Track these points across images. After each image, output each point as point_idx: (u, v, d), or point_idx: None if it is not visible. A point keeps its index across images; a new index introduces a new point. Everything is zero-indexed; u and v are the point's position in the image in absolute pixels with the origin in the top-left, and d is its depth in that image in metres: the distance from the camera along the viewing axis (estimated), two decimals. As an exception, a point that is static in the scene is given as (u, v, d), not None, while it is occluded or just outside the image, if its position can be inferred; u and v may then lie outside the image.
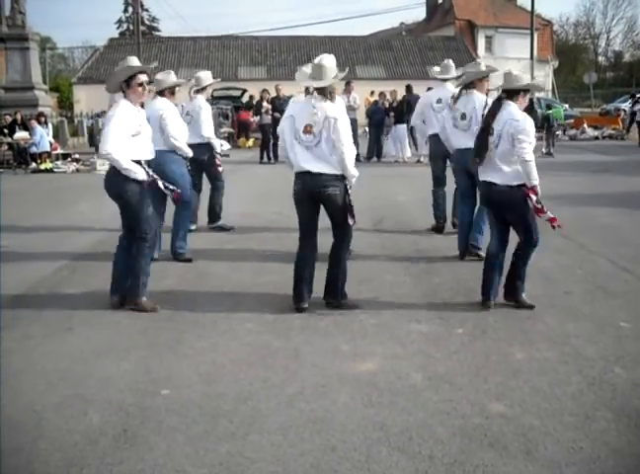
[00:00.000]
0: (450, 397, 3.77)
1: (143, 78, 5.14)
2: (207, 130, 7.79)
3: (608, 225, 8.68)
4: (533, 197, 5.11)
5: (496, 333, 4.79)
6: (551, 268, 6.41)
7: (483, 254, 6.79)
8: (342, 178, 5.13)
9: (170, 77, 7.00)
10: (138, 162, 5.18)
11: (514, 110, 5.17)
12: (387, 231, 8.37)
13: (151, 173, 5.25)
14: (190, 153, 6.79)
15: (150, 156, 5.33)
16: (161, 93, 6.92)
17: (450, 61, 8.50)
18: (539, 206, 5.10)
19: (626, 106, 32.39)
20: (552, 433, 3.36)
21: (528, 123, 5.11)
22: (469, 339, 4.68)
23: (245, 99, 29.21)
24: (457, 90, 7.87)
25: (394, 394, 3.82)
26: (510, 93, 5.22)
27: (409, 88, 19.25)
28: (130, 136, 5.13)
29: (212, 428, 3.46)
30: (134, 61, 5.22)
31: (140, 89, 5.16)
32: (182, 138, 6.70)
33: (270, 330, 4.90)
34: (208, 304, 5.50)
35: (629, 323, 4.95)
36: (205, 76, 8.20)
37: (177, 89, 7.04)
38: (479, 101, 6.88)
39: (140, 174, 5.14)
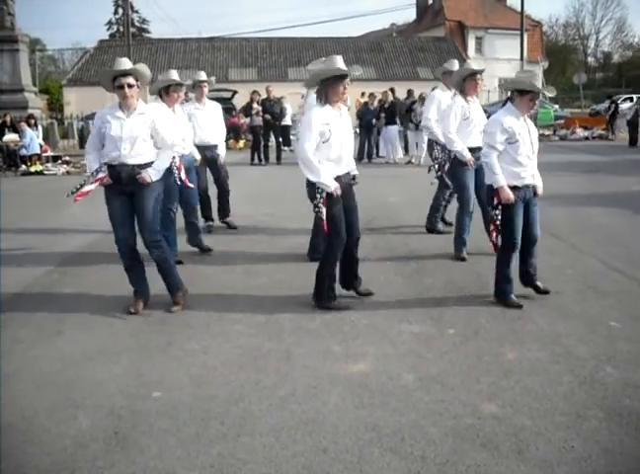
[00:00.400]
0: (442, 398, 3.77)
1: (124, 81, 5.07)
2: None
3: (600, 225, 8.71)
4: (494, 201, 5.24)
5: (487, 333, 4.79)
6: (542, 268, 6.39)
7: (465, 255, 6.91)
8: (313, 182, 5.16)
9: (166, 75, 6.79)
10: (111, 165, 5.18)
11: (501, 110, 5.35)
12: (378, 232, 8.37)
13: (104, 176, 5.20)
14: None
15: (124, 159, 5.16)
16: (160, 95, 6.82)
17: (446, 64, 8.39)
18: (492, 213, 5.27)
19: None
20: (544, 432, 3.36)
21: (489, 125, 5.32)
22: (461, 339, 4.68)
23: (236, 101, 29.18)
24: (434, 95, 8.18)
25: (386, 395, 3.82)
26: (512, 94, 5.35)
27: (392, 91, 19.36)
28: (105, 138, 5.20)
29: (204, 430, 3.45)
30: (120, 63, 5.13)
31: (121, 91, 5.12)
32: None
33: (261, 332, 4.89)
34: (200, 306, 5.48)
35: (620, 322, 4.96)
36: (197, 76, 8.06)
37: (172, 88, 6.74)
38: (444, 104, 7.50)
39: (92, 175, 5.25)
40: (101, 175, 5.21)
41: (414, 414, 3.58)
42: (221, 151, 8.25)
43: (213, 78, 8.56)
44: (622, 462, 3.10)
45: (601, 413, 3.56)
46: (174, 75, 6.79)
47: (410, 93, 19.31)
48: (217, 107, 8.22)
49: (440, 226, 8.19)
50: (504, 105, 5.42)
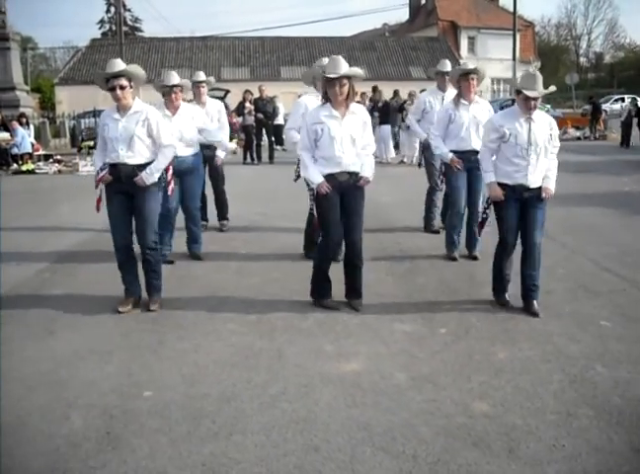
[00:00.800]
0: (434, 397, 3.78)
1: (115, 82, 5.07)
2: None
3: (592, 225, 8.75)
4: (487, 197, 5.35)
5: (479, 332, 4.81)
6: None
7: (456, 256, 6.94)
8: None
9: (164, 77, 6.74)
10: (112, 165, 5.22)
11: (504, 110, 5.56)
12: (371, 231, 8.35)
13: (103, 174, 5.25)
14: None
15: (122, 160, 5.17)
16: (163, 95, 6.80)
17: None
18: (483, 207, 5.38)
19: (607, 106, 32.93)
20: (534, 431, 3.38)
21: (484, 125, 5.64)
22: (452, 338, 4.69)
23: (228, 100, 29.16)
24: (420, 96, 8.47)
25: (378, 394, 3.83)
26: None
27: (375, 89, 19.41)
28: (106, 139, 5.27)
29: (195, 429, 3.45)
30: (112, 65, 5.12)
31: (113, 93, 5.13)
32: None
33: (253, 331, 4.89)
34: (191, 306, 5.48)
35: (610, 322, 4.99)
36: (195, 76, 7.98)
37: (166, 91, 6.65)
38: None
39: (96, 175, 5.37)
40: (101, 174, 5.27)
41: (406, 413, 3.59)
42: (220, 152, 8.18)
43: (212, 78, 8.51)
44: (612, 460, 3.11)
45: (592, 411, 3.58)
46: (169, 78, 6.72)
47: (396, 93, 19.43)
48: (219, 105, 8.15)
49: (436, 224, 8.22)
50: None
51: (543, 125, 5.12)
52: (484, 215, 5.39)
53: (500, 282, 5.40)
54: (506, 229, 5.22)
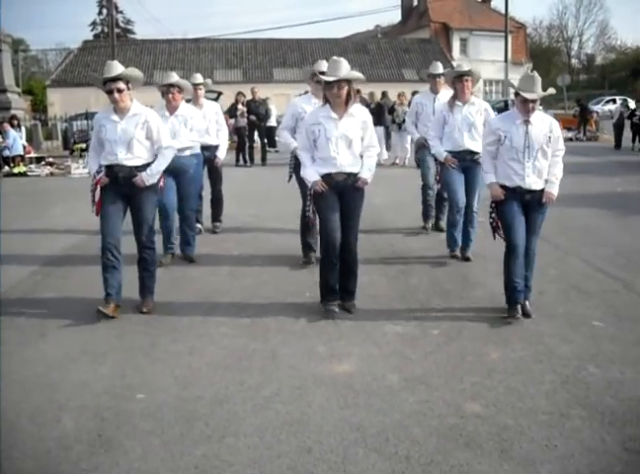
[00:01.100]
0: (426, 398, 3.78)
1: (113, 86, 5.07)
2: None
3: (585, 226, 8.77)
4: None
5: (471, 333, 4.81)
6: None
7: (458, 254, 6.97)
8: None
9: (164, 77, 6.76)
10: (108, 166, 5.21)
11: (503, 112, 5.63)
12: (364, 233, 8.34)
13: (100, 177, 5.23)
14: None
15: (120, 162, 5.15)
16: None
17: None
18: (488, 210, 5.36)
19: (599, 108, 33.05)
20: (527, 431, 3.39)
21: (484, 127, 5.75)
22: (445, 339, 4.70)
23: (221, 102, 29.14)
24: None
25: (370, 395, 3.83)
26: None
27: (358, 92, 19.44)
28: (103, 141, 5.24)
29: (188, 431, 3.44)
30: (110, 68, 5.11)
31: (111, 96, 5.12)
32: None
33: (246, 333, 4.89)
34: (184, 308, 5.47)
35: (603, 322, 5.00)
36: (192, 79, 7.97)
37: (165, 89, 6.69)
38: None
39: (92, 178, 5.36)
40: (99, 177, 5.25)
41: (398, 414, 3.59)
42: (220, 153, 8.11)
43: (209, 80, 8.51)
44: (604, 461, 3.12)
45: (584, 412, 3.59)
46: (167, 77, 6.77)
47: (384, 94, 19.48)
48: (216, 107, 8.14)
49: (430, 223, 8.30)
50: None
51: (542, 128, 5.06)
52: (490, 220, 5.31)
53: (509, 287, 5.13)
54: (510, 231, 5.13)
